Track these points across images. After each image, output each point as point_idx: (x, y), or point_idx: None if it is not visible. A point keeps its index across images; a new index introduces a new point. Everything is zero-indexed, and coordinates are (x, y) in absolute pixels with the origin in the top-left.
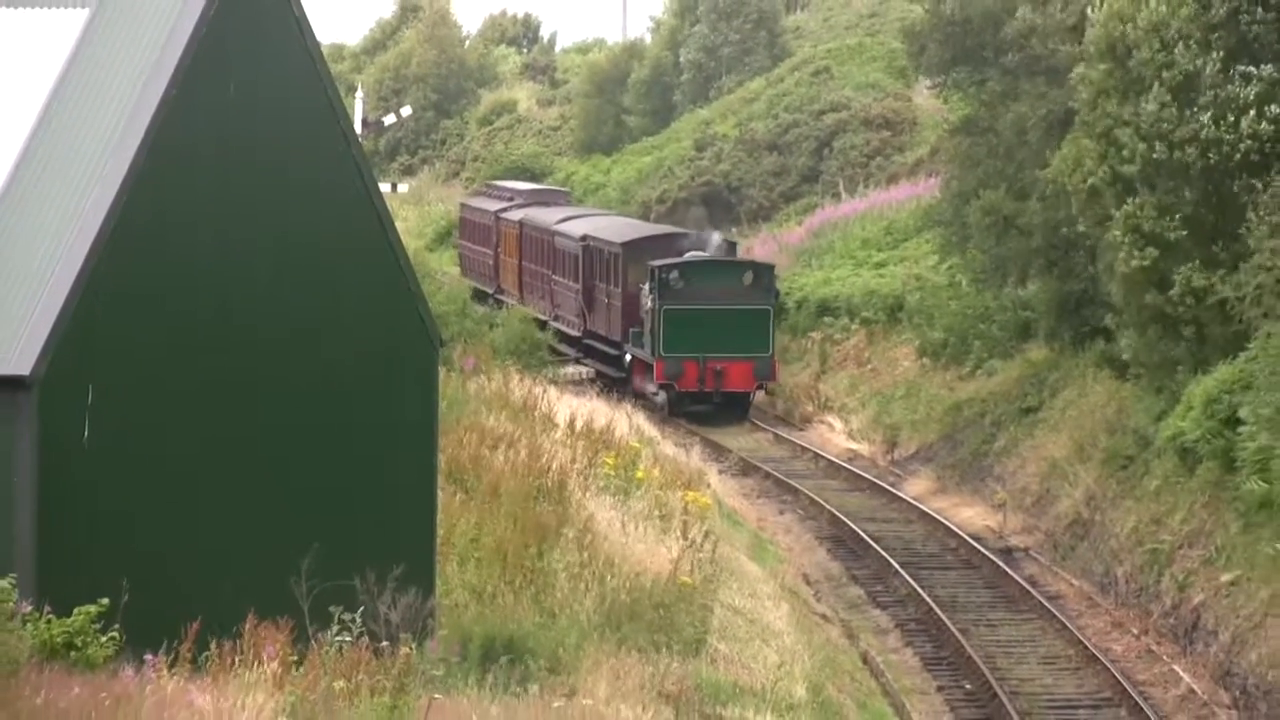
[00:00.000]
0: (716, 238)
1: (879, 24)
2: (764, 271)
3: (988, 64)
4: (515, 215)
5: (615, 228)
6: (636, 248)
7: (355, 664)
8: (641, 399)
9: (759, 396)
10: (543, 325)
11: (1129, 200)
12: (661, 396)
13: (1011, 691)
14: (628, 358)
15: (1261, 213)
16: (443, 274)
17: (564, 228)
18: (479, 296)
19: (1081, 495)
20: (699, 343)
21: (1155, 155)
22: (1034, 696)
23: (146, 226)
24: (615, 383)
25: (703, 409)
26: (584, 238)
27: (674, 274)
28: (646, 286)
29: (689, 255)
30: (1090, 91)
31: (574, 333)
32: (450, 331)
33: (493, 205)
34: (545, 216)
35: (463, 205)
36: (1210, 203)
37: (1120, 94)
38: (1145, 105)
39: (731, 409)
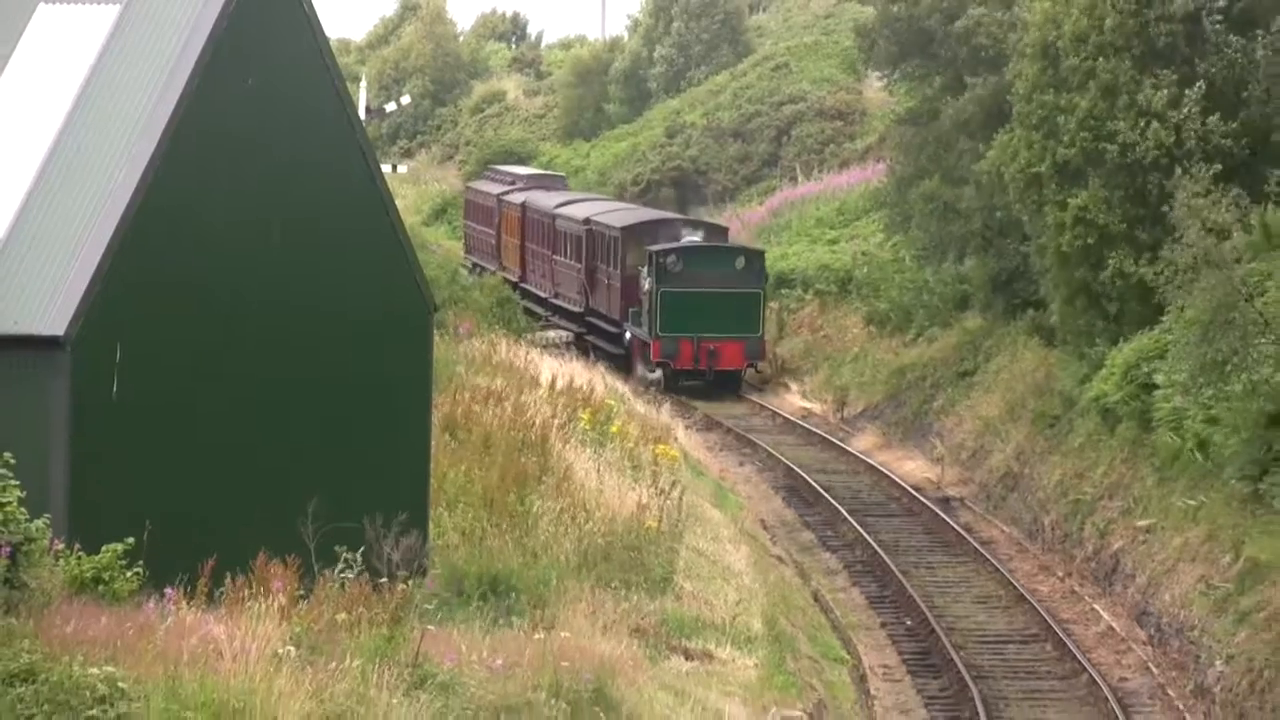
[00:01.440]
0: (692, 232)
1: (834, 24)
2: (755, 257)
3: (933, 58)
4: (517, 198)
5: (616, 212)
6: (635, 232)
7: (356, 599)
8: (640, 375)
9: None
10: (544, 302)
11: (1076, 192)
12: (658, 373)
13: (948, 627)
14: (627, 336)
15: (1180, 196)
16: (437, 246)
17: (566, 211)
18: (482, 273)
19: (1012, 451)
20: (694, 323)
21: (1086, 144)
22: (968, 632)
23: (170, 202)
24: (615, 359)
25: (696, 384)
26: (586, 221)
27: (671, 258)
28: (645, 269)
29: (685, 240)
30: (1025, 86)
31: (576, 309)
32: (441, 297)
33: (495, 188)
34: (547, 200)
35: (467, 188)
36: (1128, 193)
37: (1055, 89)
38: (1079, 102)
39: (724, 386)
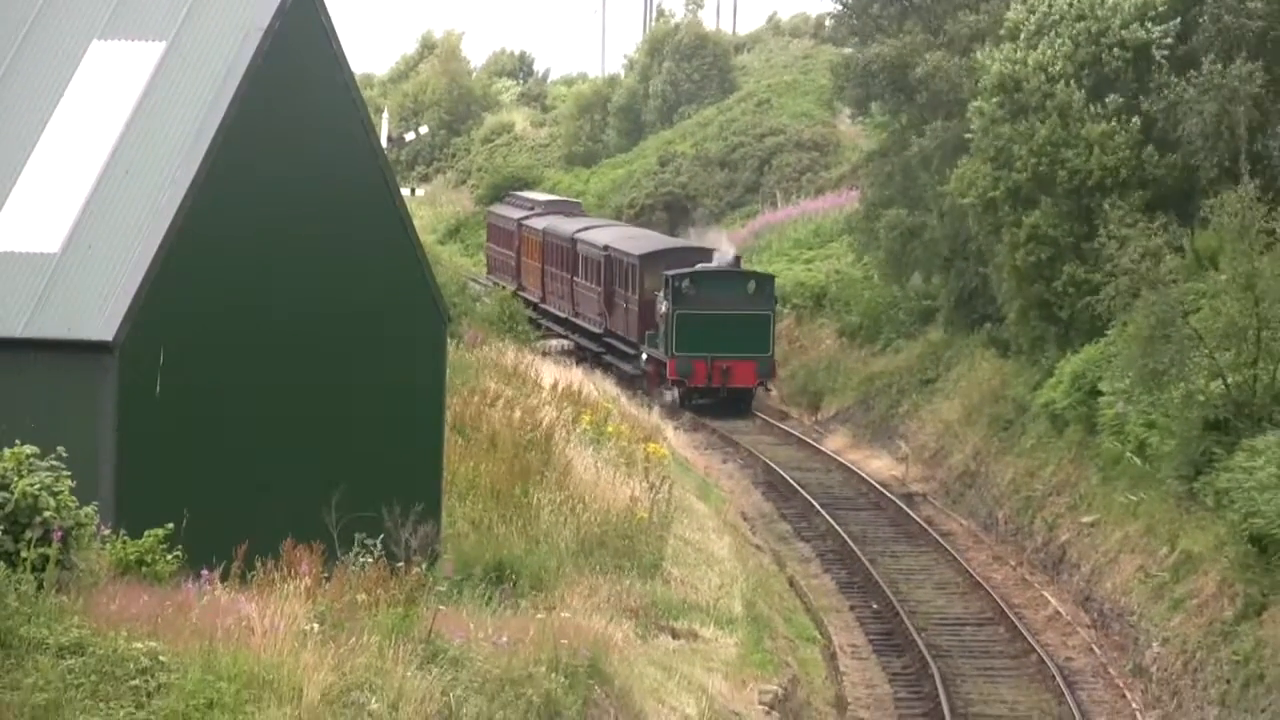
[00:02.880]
0: (729, 253)
1: (811, 64)
2: (765, 281)
3: (898, 99)
4: (538, 223)
5: (633, 239)
6: (653, 258)
7: (375, 581)
8: (657, 393)
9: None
10: (564, 321)
11: (1030, 212)
12: (674, 392)
13: (910, 610)
14: (644, 357)
15: (1111, 228)
16: (450, 263)
17: (586, 236)
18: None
19: (970, 451)
20: (708, 344)
21: (1041, 169)
22: (929, 615)
23: (209, 221)
24: (632, 379)
25: (709, 403)
26: (606, 248)
27: (686, 282)
28: (661, 293)
29: (699, 266)
30: (983, 121)
31: (595, 330)
32: (454, 310)
33: (515, 213)
34: (566, 226)
35: (489, 213)
36: (1076, 215)
37: (1011, 120)
38: (1037, 128)
39: (737, 404)
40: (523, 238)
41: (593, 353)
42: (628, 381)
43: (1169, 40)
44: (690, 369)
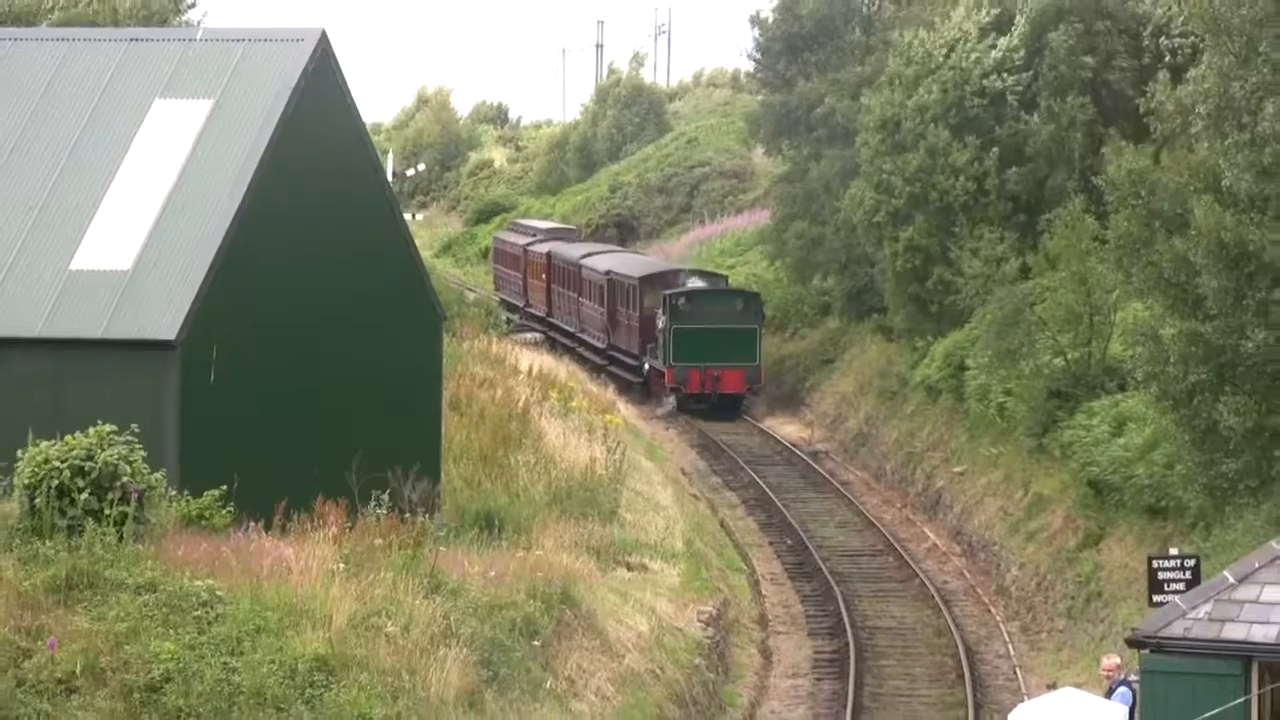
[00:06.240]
0: (696, 280)
1: (730, 109)
2: (752, 299)
3: (801, 136)
4: (542, 248)
5: (632, 264)
6: (650, 280)
7: (388, 529)
8: (663, 401)
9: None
10: (571, 335)
11: (904, 228)
12: (672, 397)
13: (818, 545)
14: (645, 367)
15: (963, 244)
16: (445, 273)
17: (589, 262)
18: (509, 308)
19: (863, 417)
20: (702, 355)
21: (914, 193)
22: (832, 548)
23: (251, 242)
24: (633, 386)
25: (703, 407)
26: (608, 272)
27: (682, 300)
28: (660, 310)
29: (692, 285)
30: (869, 153)
31: (600, 345)
32: (450, 312)
33: (520, 239)
34: (570, 251)
35: (495, 238)
36: (944, 229)
37: (891, 154)
38: (910, 161)
39: (727, 407)
40: (528, 261)
41: (597, 364)
42: (632, 390)
43: (1019, 88)
44: (686, 377)
